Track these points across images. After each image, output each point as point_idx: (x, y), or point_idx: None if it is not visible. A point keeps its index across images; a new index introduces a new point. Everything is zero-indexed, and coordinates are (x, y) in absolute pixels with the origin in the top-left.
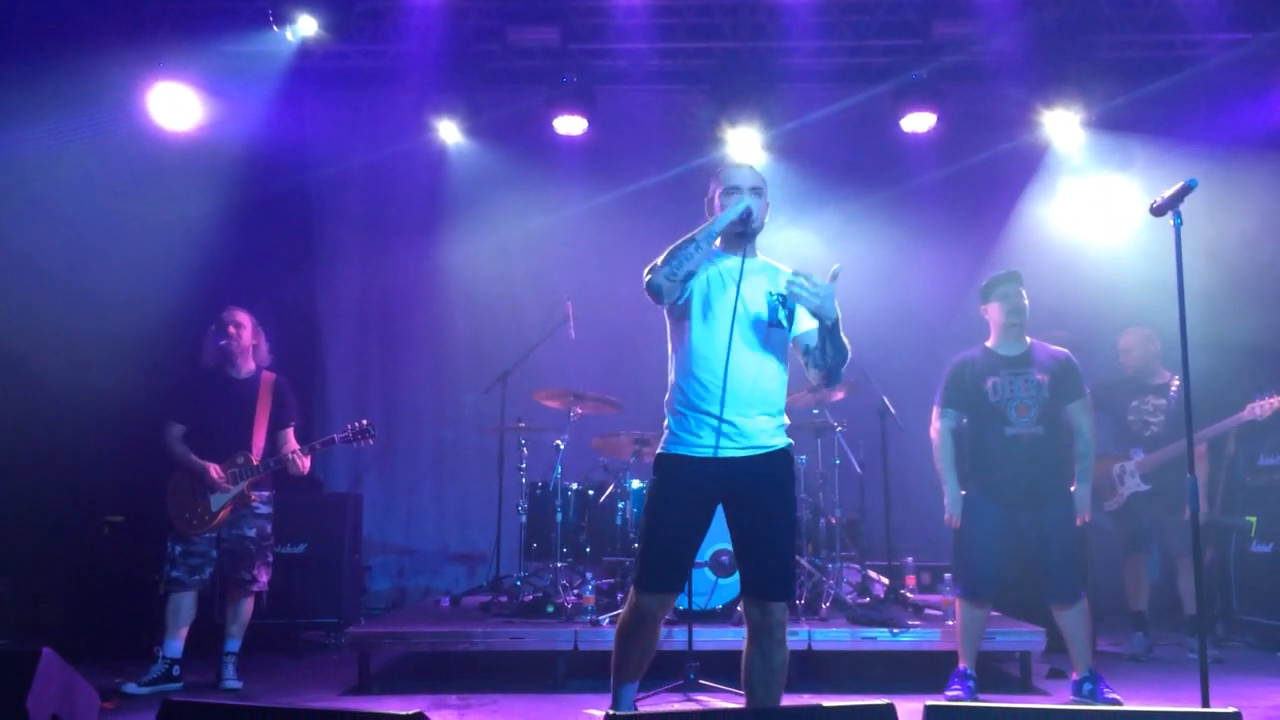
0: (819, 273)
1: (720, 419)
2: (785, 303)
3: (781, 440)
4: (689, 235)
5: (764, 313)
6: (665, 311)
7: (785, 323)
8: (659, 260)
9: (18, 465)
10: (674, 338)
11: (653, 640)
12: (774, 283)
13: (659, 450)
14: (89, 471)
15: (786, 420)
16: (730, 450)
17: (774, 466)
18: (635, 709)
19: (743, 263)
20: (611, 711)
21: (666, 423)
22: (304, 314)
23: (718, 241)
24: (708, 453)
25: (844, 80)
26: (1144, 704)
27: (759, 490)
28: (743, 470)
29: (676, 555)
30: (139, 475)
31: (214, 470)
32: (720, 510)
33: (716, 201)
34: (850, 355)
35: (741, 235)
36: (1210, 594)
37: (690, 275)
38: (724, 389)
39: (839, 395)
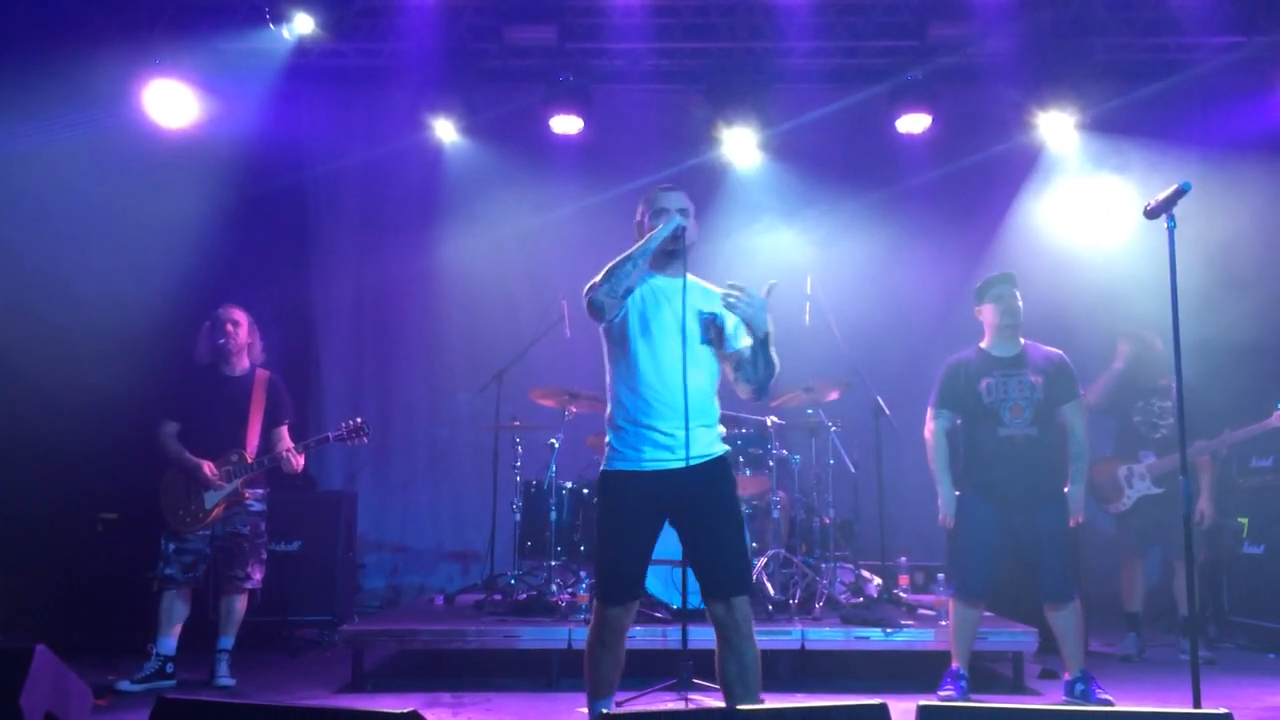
0: (755, 287)
1: (664, 433)
2: (715, 320)
3: (720, 448)
4: (625, 254)
5: (698, 330)
6: (602, 331)
7: (716, 339)
8: (597, 279)
9: (11, 463)
10: (611, 355)
11: (621, 649)
12: (705, 301)
13: (604, 468)
14: (82, 469)
15: (722, 429)
16: (674, 462)
17: (715, 473)
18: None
19: (684, 281)
20: (605, 710)
21: (608, 439)
22: (299, 312)
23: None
24: (653, 466)
25: (840, 81)
26: (1136, 705)
27: (704, 496)
28: (687, 480)
29: (632, 567)
30: (132, 473)
31: (207, 467)
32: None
33: (645, 223)
34: (779, 370)
35: (672, 254)
36: (1202, 595)
37: (629, 291)
38: (686, 403)
39: (833, 395)
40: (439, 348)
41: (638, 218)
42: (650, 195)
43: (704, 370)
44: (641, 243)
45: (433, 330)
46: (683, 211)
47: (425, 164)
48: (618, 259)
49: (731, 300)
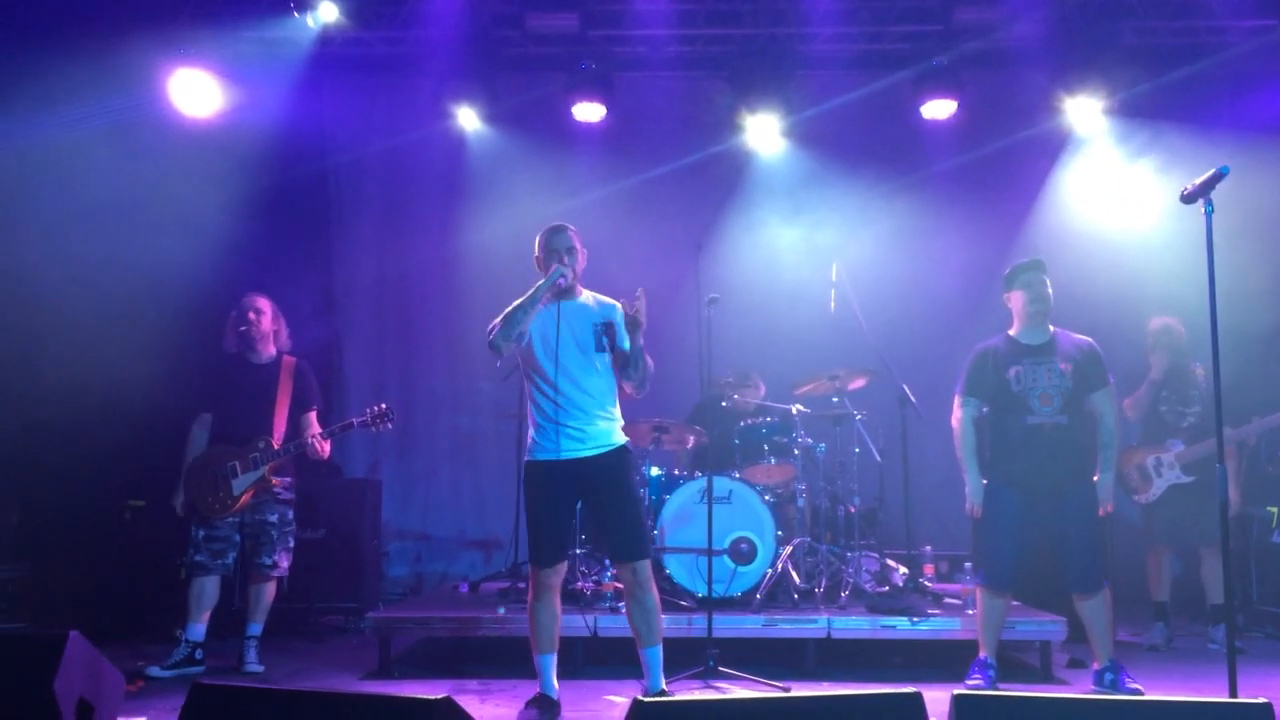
0: (628, 304)
1: (573, 428)
2: (610, 328)
3: (620, 439)
4: (517, 302)
5: (591, 340)
6: (516, 351)
7: (608, 346)
8: (496, 323)
9: (41, 451)
10: (525, 368)
11: (555, 608)
12: (599, 314)
13: (527, 459)
14: (110, 457)
15: (620, 420)
16: (583, 451)
17: (616, 460)
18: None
19: (559, 308)
20: (639, 697)
21: (530, 435)
22: (323, 300)
23: (547, 297)
24: (567, 455)
25: (864, 67)
26: (1165, 694)
27: (605, 478)
28: (590, 465)
29: (554, 536)
30: (160, 460)
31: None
32: (743, 503)
33: (542, 260)
34: (651, 372)
35: (562, 291)
36: (1230, 584)
37: (521, 335)
38: (578, 402)
39: (858, 383)
40: (461, 336)
41: (535, 252)
42: (544, 235)
43: (600, 373)
44: (529, 294)
45: (455, 318)
46: (570, 251)
47: (448, 152)
48: (511, 307)
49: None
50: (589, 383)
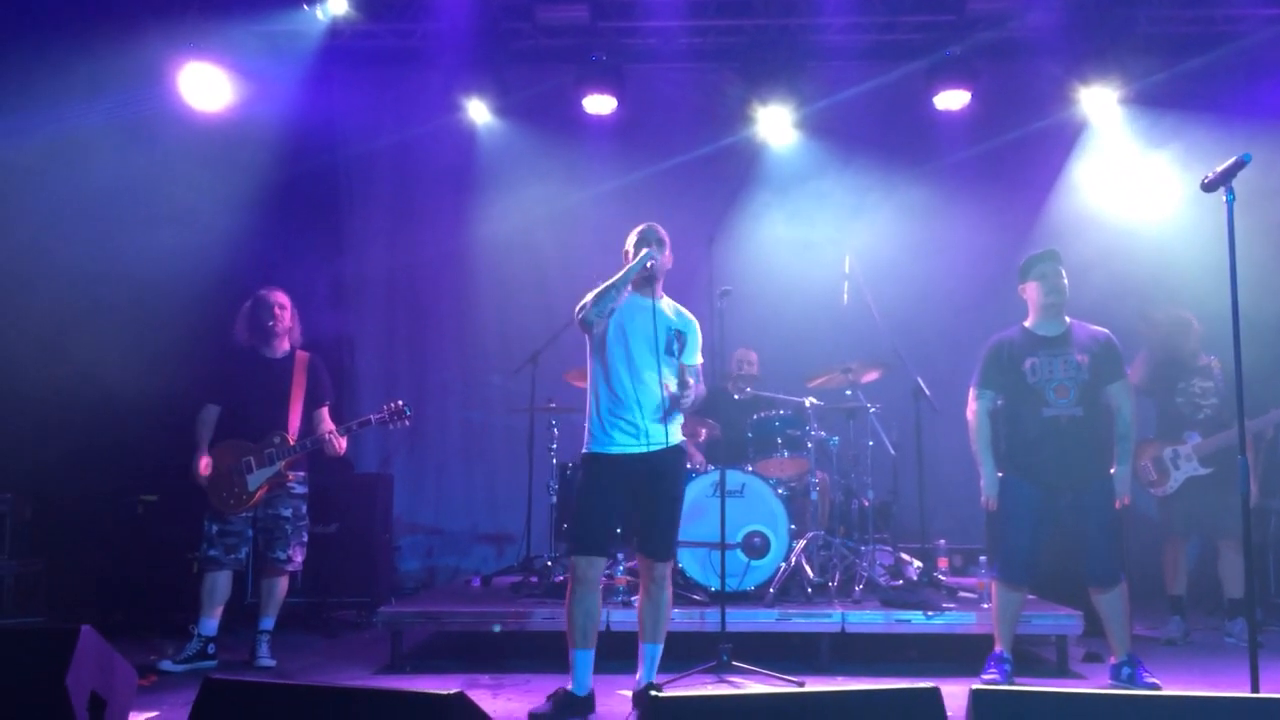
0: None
1: (631, 423)
2: (681, 336)
3: (678, 438)
4: (609, 281)
5: (663, 342)
6: (587, 339)
7: (677, 352)
8: (588, 300)
9: (54, 447)
10: (593, 357)
11: (593, 604)
12: (676, 321)
13: (585, 450)
14: (123, 451)
15: (679, 420)
16: (638, 448)
17: (670, 458)
18: (589, 684)
19: (654, 304)
20: (654, 690)
21: (588, 427)
22: (333, 294)
23: (630, 287)
24: (622, 450)
25: (877, 57)
26: (1183, 689)
27: (658, 476)
28: (646, 462)
29: (603, 529)
30: (173, 455)
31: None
32: (756, 496)
33: (631, 250)
34: (701, 398)
35: (647, 279)
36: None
37: (613, 311)
38: (644, 399)
39: (872, 376)
40: (472, 330)
41: (626, 246)
42: (637, 231)
43: (666, 374)
44: (620, 273)
45: (466, 312)
46: (659, 243)
47: (458, 145)
48: (603, 285)
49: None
50: (655, 381)
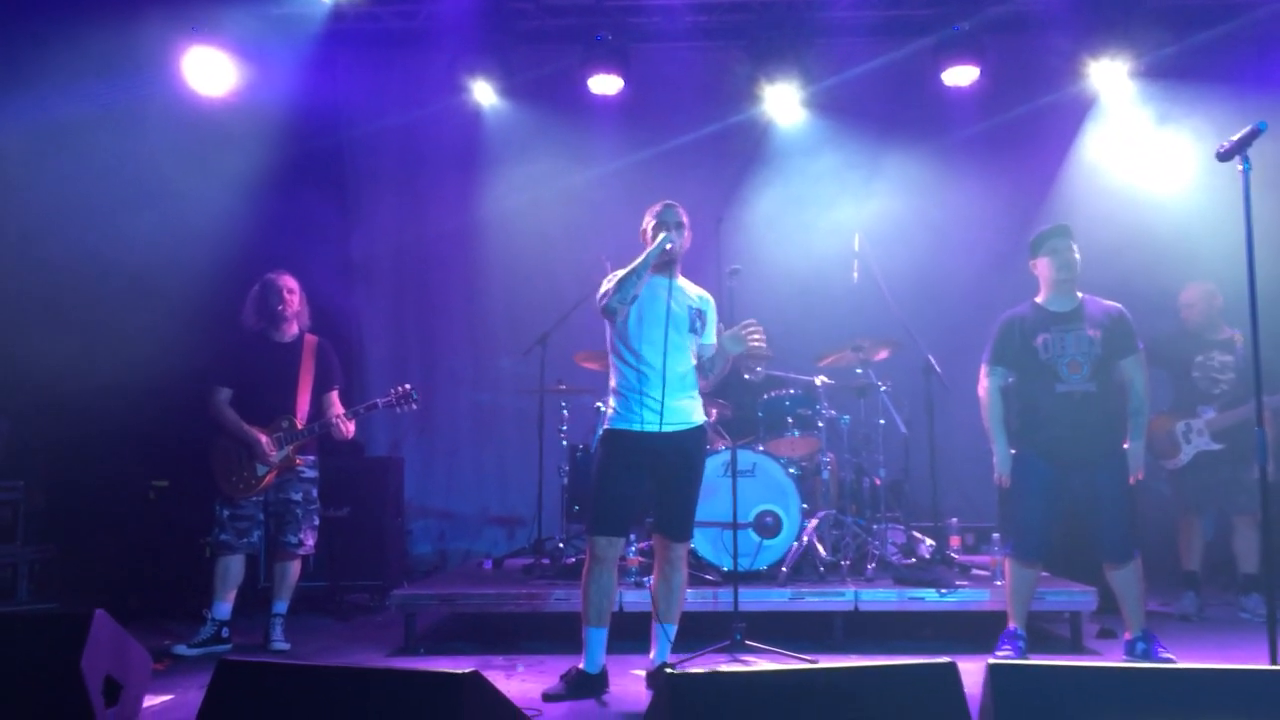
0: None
1: (655, 399)
2: (701, 315)
3: (699, 418)
4: (629, 267)
5: (685, 320)
6: (607, 320)
7: (699, 330)
8: (609, 287)
9: (66, 433)
10: (614, 335)
11: (610, 583)
12: (696, 300)
13: (606, 427)
14: (135, 437)
15: (700, 400)
16: (659, 425)
17: (693, 438)
18: (602, 661)
19: (673, 284)
20: (668, 669)
21: (611, 403)
22: (341, 276)
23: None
24: (645, 427)
25: (884, 34)
26: (1199, 664)
27: (680, 455)
28: (669, 441)
29: (623, 507)
30: (183, 440)
31: (265, 442)
32: (767, 476)
33: (649, 234)
34: (726, 373)
35: (667, 262)
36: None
37: (635, 298)
38: (667, 378)
39: (883, 354)
40: (481, 311)
41: (644, 226)
42: (653, 211)
43: (686, 353)
44: (639, 259)
45: (474, 294)
46: (678, 226)
47: (464, 126)
48: (624, 271)
49: (741, 335)
50: (677, 360)
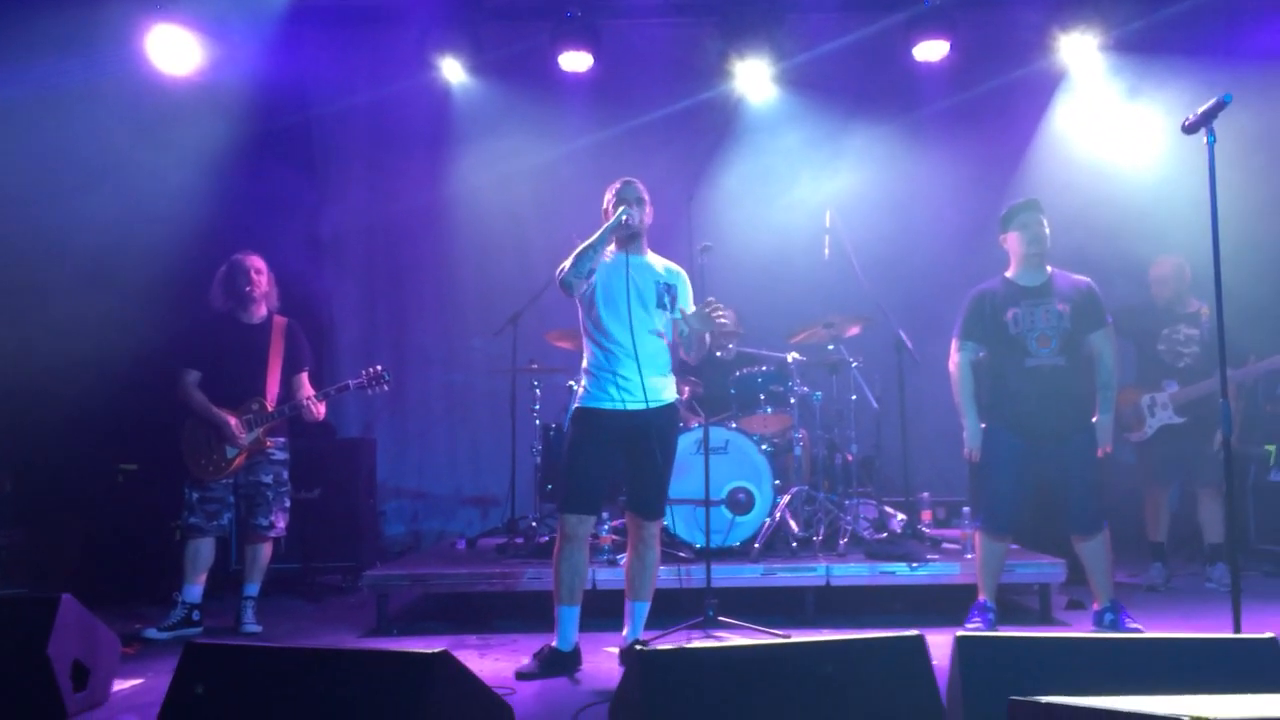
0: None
1: (625, 378)
2: (670, 289)
3: (672, 395)
4: (586, 242)
5: (653, 296)
6: (577, 299)
7: (669, 305)
8: (566, 264)
9: (32, 417)
10: (584, 315)
11: (581, 561)
12: (665, 275)
13: (578, 405)
14: (102, 420)
15: (673, 377)
16: (632, 404)
17: (664, 416)
18: (575, 639)
19: (640, 260)
20: (640, 646)
21: (583, 382)
22: (310, 256)
23: (613, 246)
24: (616, 406)
25: (855, 9)
26: (1166, 634)
27: (652, 433)
28: (640, 419)
29: (592, 485)
30: (152, 423)
31: (234, 424)
32: (740, 453)
33: (610, 210)
34: (707, 346)
35: (631, 236)
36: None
37: (592, 272)
38: (635, 355)
39: (854, 330)
40: (452, 291)
41: (604, 203)
42: (613, 188)
43: (659, 330)
44: (597, 233)
45: (445, 273)
46: (638, 201)
47: (433, 104)
48: (581, 246)
49: (706, 313)
50: (646, 337)
